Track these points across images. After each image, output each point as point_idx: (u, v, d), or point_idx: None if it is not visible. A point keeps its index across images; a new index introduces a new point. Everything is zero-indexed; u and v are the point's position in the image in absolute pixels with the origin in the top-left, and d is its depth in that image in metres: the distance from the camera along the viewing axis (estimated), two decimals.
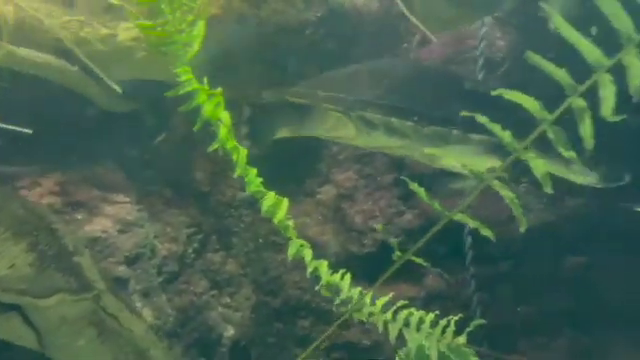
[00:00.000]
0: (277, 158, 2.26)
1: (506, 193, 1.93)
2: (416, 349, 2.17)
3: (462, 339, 2.15)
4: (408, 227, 2.65)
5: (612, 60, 1.82)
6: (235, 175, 1.97)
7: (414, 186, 1.91)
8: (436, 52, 2.72)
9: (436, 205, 1.99)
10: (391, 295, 2.26)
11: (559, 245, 2.52)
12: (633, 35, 1.81)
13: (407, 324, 2.14)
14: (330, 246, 2.70)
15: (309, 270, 2.11)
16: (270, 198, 2.02)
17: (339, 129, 2.18)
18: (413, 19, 2.32)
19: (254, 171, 2.01)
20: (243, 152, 1.97)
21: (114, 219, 2.90)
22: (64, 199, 2.90)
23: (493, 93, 1.73)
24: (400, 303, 2.19)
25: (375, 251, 2.66)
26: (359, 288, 2.22)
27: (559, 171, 2.15)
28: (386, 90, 2.15)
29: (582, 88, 1.83)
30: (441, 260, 2.60)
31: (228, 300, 2.73)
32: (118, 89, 2.71)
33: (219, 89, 2.01)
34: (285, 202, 2.08)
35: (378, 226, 2.33)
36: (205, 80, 2.00)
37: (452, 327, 2.13)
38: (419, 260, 2.02)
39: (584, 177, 2.12)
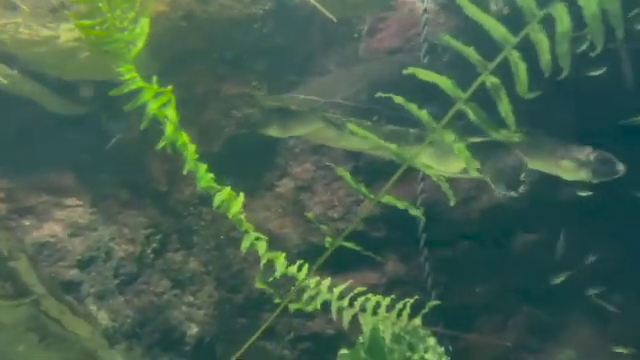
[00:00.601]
0: (235, 155, 2.25)
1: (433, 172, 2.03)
2: (370, 332, 2.22)
3: (417, 321, 2.22)
4: (367, 215, 2.69)
5: (518, 37, 1.91)
6: (184, 171, 1.97)
7: (340, 170, 1.95)
8: (385, 41, 2.76)
9: (362, 189, 2.03)
10: (351, 283, 2.32)
11: (511, 224, 2.61)
12: (535, 11, 1.89)
13: (364, 310, 2.20)
14: (291, 238, 2.71)
15: (262, 262, 2.14)
16: (223, 193, 2.02)
17: (323, 132, 2.21)
18: (315, 3, 2.34)
19: (204, 167, 2.01)
20: (192, 148, 1.96)
21: (65, 223, 2.85)
22: (10, 206, 2.83)
23: (404, 72, 1.80)
24: (358, 290, 2.25)
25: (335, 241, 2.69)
26: (316, 278, 2.27)
27: (548, 168, 2.24)
28: (357, 91, 2.17)
29: (492, 66, 1.91)
30: (400, 245, 2.65)
31: (191, 298, 2.72)
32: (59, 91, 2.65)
33: (169, 87, 2.00)
34: (240, 197, 2.09)
35: (310, 214, 2.36)
36: (154, 79, 1.99)
37: (407, 310, 2.21)
38: (350, 245, 2.05)
39: (574, 174, 2.19)
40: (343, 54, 2.76)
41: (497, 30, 1.92)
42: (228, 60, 2.69)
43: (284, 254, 2.20)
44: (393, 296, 2.26)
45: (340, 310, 2.19)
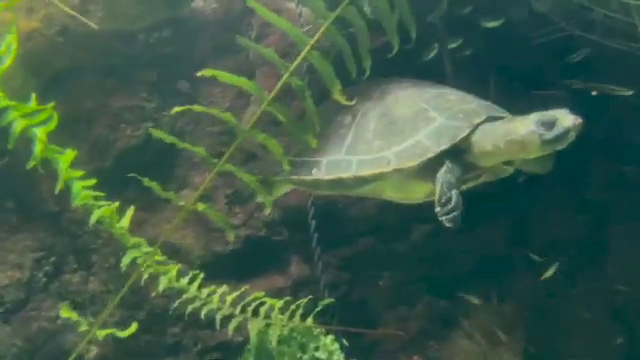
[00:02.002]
0: (131, 169, 2.21)
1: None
2: (257, 337, 2.27)
3: (310, 321, 2.29)
4: (268, 220, 2.71)
5: (314, 38, 2.03)
6: (56, 190, 1.92)
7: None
8: (272, 46, 2.78)
9: (171, 195, 2.15)
10: (246, 289, 2.35)
11: (407, 217, 2.71)
12: (325, 13, 2.01)
13: (256, 315, 2.25)
14: (193, 249, 2.69)
15: (144, 277, 2.13)
16: (101, 210, 1.99)
17: None
18: (67, 9, 2.36)
19: (81, 184, 1.97)
20: (65, 163, 1.92)
21: None
22: None
23: (199, 74, 1.97)
24: (252, 296, 2.29)
25: (240, 247, 2.70)
26: (212, 287, 2.29)
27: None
28: None
29: (292, 67, 2.02)
30: (303, 247, 2.69)
31: (91, 320, 2.62)
32: None
33: (51, 104, 1.94)
34: (129, 212, 2.07)
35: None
36: (34, 96, 1.92)
37: (300, 310, 2.29)
38: None
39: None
40: (235, 61, 2.76)
41: (292, 31, 2.02)
42: (116, 73, 2.62)
43: (177, 266, 2.19)
44: (288, 298, 2.32)
45: (229, 318, 2.22)
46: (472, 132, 2.02)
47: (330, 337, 2.33)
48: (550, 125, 1.88)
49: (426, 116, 2.08)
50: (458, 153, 2.04)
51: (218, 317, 2.22)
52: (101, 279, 2.65)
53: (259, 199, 2.29)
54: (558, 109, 1.91)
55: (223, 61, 2.73)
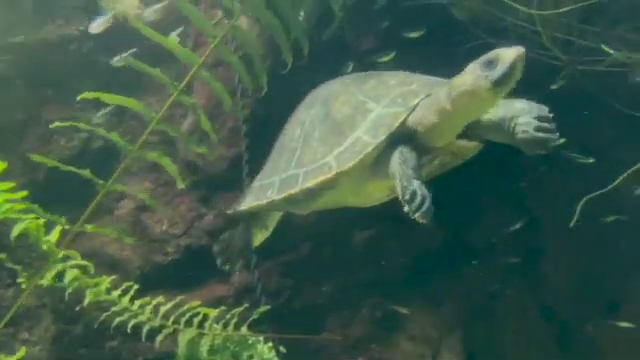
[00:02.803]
0: (66, 181, 2.17)
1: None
2: (186, 348, 2.26)
3: (244, 329, 2.29)
4: (210, 228, 2.70)
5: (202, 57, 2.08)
6: None
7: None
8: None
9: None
10: (181, 299, 2.33)
11: (347, 223, 2.74)
12: (211, 32, 2.07)
13: (190, 325, 2.24)
14: (132, 260, 2.65)
15: (68, 291, 2.10)
16: (24, 224, 1.95)
17: None
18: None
19: (5, 196, 1.92)
20: None
21: None
22: None
23: (78, 98, 1.94)
24: (186, 306, 2.27)
25: (179, 257, 2.67)
26: (145, 299, 2.27)
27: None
28: None
29: (181, 85, 2.07)
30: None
31: (26, 335, 2.56)
32: None
33: None
34: (58, 226, 2.04)
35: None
36: None
37: (235, 319, 2.29)
38: None
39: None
40: (175, 69, 2.74)
41: (181, 52, 2.07)
42: (49, 84, 2.57)
43: (107, 279, 2.16)
44: (223, 308, 2.32)
45: (160, 329, 2.21)
46: (410, 114, 1.86)
47: (267, 345, 2.33)
48: (493, 64, 1.69)
49: (364, 109, 1.94)
50: (408, 140, 1.85)
51: (145, 329, 2.19)
52: (36, 294, 2.59)
53: (256, 240, 2.31)
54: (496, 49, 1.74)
55: (162, 71, 2.71)
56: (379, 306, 2.87)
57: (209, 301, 2.47)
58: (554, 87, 2.38)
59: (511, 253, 2.83)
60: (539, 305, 2.84)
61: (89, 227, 2.08)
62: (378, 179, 1.94)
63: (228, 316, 2.24)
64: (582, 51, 2.25)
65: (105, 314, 2.19)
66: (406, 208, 1.74)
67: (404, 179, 1.78)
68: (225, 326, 2.24)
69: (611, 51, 2.07)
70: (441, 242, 2.87)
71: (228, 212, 2.26)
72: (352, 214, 2.69)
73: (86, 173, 2.01)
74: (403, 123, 1.85)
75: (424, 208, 1.73)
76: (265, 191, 2.10)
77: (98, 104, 2.65)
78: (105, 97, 1.92)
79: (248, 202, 2.16)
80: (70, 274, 1.99)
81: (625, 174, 2.07)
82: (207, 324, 2.21)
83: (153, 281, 2.50)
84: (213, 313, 2.21)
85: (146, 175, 2.77)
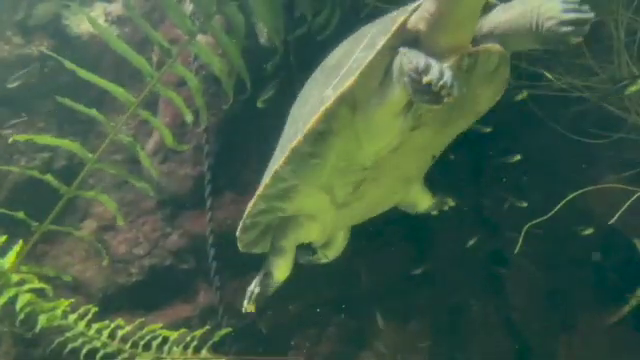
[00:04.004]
0: (27, 202, 2.15)
1: None
2: None
3: (204, 352, 2.28)
4: (174, 248, 2.68)
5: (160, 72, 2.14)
6: None
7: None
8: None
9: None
10: (141, 322, 2.31)
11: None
12: (168, 49, 2.12)
13: (148, 348, 2.22)
14: (95, 281, 2.62)
15: (20, 318, 2.08)
16: None
17: None
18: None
19: None
20: None
21: None
22: None
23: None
24: (146, 329, 2.25)
25: (143, 278, 2.65)
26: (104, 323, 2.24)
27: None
28: None
29: (140, 99, 2.15)
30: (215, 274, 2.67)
31: None
32: None
33: None
34: (16, 248, 2.01)
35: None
36: None
37: (195, 342, 2.27)
38: None
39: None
40: (139, 89, 2.73)
41: (145, 69, 2.12)
42: (10, 103, 2.55)
43: (65, 302, 2.14)
44: (183, 330, 2.30)
45: (117, 354, 2.19)
46: (410, 16, 1.53)
47: None
48: None
49: (356, 44, 1.62)
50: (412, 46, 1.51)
51: (99, 355, 2.16)
52: None
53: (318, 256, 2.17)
54: None
55: (127, 88, 2.71)
56: (346, 324, 2.88)
57: (174, 322, 2.45)
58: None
59: (476, 269, 2.87)
60: (503, 321, 2.88)
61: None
62: (387, 103, 1.55)
63: (188, 338, 2.22)
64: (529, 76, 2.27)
65: (57, 340, 2.15)
66: (425, 79, 1.37)
67: (412, 59, 1.42)
68: (185, 349, 2.22)
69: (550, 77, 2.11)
70: (407, 259, 2.90)
71: (244, 222, 1.95)
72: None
73: (49, 179, 1.99)
74: (403, 26, 1.52)
75: (446, 78, 1.36)
76: (268, 173, 1.78)
77: (62, 123, 2.65)
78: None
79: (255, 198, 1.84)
80: (22, 299, 1.96)
81: (564, 201, 2.12)
82: (166, 347, 2.19)
83: (116, 302, 2.48)
84: (173, 335, 2.19)
85: (110, 194, 2.74)
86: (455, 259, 2.85)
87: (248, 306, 2.02)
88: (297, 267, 2.79)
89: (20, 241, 2.05)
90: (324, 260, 2.18)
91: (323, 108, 1.58)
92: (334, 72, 1.63)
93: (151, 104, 2.70)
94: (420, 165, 1.87)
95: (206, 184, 2.53)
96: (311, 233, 2.00)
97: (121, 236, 2.61)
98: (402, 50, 1.48)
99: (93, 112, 2.10)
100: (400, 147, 1.67)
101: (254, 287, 2.04)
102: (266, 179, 1.77)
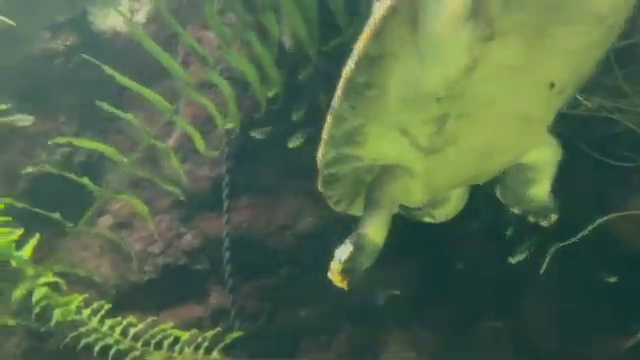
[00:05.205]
0: (46, 195, 2.15)
1: None
2: None
3: (215, 354, 2.27)
4: (188, 248, 2.68)
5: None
6: None
7: None
8: (197, 73, 2.79)
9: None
10: (153, 320, 2.31)
11: (328, 246, 2.73)
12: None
13: (159, 347, 2.21)
14: (109, 278, 2.62)
15: (36, 311, 2.07)
16: None
17: None
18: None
19: None
20: None
21: None
22: None
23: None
24: (158, 328, 2.24)
25: (156, 277, 2.65)
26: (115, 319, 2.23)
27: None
28: None
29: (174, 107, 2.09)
30: (224, 276, 2.67)
31: None
32: None
33: None
34: (32, 241, 2.02)
35: None
36: None
37: (206, 343, 2.25)
38: None
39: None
40: (161, 87, 2.74)
41: (170, 64, 2.18)
42: (33, 97, 2.56)
43: (79, 298, 2.14)
44: (194, 331, 2.28)
45: (128, 352, 2.18)
46: None
47: None
48: None
49: None
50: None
51: (112, 351, 2.16)
52: (9, 309, 2.56)
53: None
54: None
55: (148, 86, 2.72)
56: (356, 332, 2.86)
57: (185, 322, 2.45)
58: None
59: (491, 284, 2.84)
60: (518, 337, 2.85)
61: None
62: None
63: (200, 339, 2.21)
64: None
65: (71, 335, 2.16)
66: None
67: None
68: (196, 349, 2.22)
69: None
70: (416, 272, 2.88)
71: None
72: (334, 239, 2.71)
73: (85, 181, 1.99)
74: None
75: None
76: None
77: (83, 118, 2.66)
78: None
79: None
80: (38, 293, 1.97)
81: (590, 227, 2.06)
82: (177, 347, 2.19)
83: (129, 300, 2.48)
84: (185, 336, 2.19)
85: (128, 191, 2.75)
86: (471, 274, 2.82)
87: (336, 276, 1.60)
88: (310, 274, 2.79)
89: (37, 235, 2.05)
90: (429, 220, 1.80)
91: (371, 25, 1.27)
92: None
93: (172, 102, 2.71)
94: (534, 98, 1.38)
95: (224, 187, 2.54)
96: (409, 189, 1.60)
97: (137, 234, 2.62)
98: None
99: (129, 117, 2.10)
100: (478, 68, 1.27)
101: (344, 250, 1.61)
102: (328, 118, 1.47)
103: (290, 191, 2.71)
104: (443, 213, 1.83)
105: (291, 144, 2.33)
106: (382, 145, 1.50)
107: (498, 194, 1.74)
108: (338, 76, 1.36)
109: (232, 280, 2.54)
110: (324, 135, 1.50)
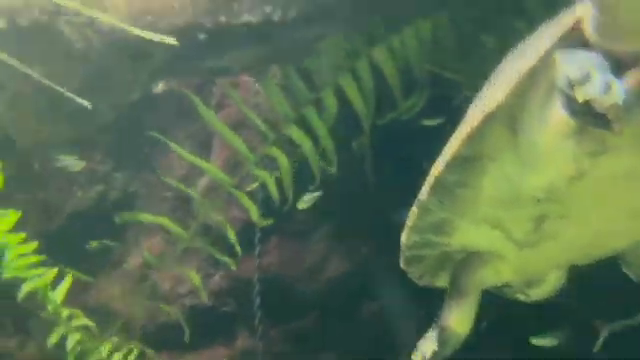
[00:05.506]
0: (79, 232, 2.18)
1: None
2: None
3: None
4: (217, 289, 2.68)
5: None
6: None
7: None
8: (232, 116, 2.82)
9: None
10: None
11: (357, 292, 2.71)
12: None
13: None
14: (137, 318, 2.62)
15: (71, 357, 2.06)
16: (30, 284, 1.93)
17: None
18: None
19: (17, 250, 1.93)
20: (5, 226, 1.88)
21: None
22: None
23: None
24: None
25: (184, 317, 2.64)
26: None
27: None
28: None
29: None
30: (251, 319, 2.65)
31: None
32: None
33: None
34: (66, 281, 2.02)
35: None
36: None
37: None
38: None
39: None
40: (196, 128, 2.78)
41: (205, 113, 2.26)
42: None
43: (110, 342, 2.13)
44: None
45: None
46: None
47: None
48: None
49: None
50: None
51: None
52: (38, 345, 2.56)
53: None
54: None
55: (183, 127, 2.76)
56: None
57: None
58: None
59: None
60: None
61: None
62: (549, 122, 1.15)
63: None
64: None
65: None
66: (581, 93, 0.97)
67: (567, 63, 1.04)
68: None
69: None
70: None
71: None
72: (362, 283, 2.69)
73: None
74: (572, 27, 1.11)
75: (614, 94, 0.95)
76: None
77: (118, 157, 2.70)
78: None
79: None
80: (72, 339, 1.96)
81: None
82: None
83: (156, 340, 2.46)
84: None
85: (158, 231, 2.76)
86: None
87: None
88: (337, 320, 2.76)
89: (69, 275, 2.06)
90: (523, 298, 1.71)
91: (467, 128, 1.25)
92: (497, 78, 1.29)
93: (205, 143, 2.75)
94: None
95: (256, 230, 2.54)
96: (500, 272, 1.54)
97: (165, 273, 2.62)
98: (558, 52, 1.09)
99: (189, 191, 2.16)
100: (586, 177, 1.21)
101: (428, 344, 1.56)
102: (414, 208, 1.45)
103: (320, 235, 2.71)
104: (539, 292, 1.71)
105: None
106: (472, 236, 1.47)
107: (624, 269, 1.61)
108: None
109: (262, 327, 2.52)
110: (408, 222, 1.47)
